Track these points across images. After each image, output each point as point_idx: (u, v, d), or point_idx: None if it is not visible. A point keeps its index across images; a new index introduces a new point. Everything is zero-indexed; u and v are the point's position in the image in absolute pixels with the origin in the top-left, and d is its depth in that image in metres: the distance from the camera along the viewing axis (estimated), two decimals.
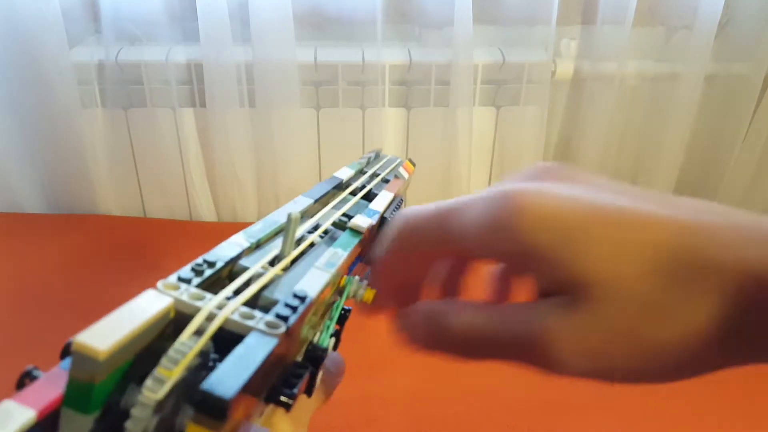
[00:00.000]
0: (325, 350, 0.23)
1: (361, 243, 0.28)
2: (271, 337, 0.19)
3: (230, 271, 0.24)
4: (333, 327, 0.26)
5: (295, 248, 0.25)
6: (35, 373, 0.18)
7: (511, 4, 1.02)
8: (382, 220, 0.32)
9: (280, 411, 0.21)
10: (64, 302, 0.85)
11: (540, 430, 0.67)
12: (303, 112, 1.04)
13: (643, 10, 1.01)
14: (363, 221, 0.29)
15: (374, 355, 0.76)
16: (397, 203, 0.35)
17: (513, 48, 1.04)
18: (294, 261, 0.25)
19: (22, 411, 0.15)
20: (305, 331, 0.22)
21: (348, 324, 0.31)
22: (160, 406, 0.16)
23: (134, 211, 1.13)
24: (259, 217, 1.13)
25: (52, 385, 0.16)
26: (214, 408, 0.16)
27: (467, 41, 0.98)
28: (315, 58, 1.00)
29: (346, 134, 1.07)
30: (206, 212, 1.12)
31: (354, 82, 1.03)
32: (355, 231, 0.29)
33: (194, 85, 1.02)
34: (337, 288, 0.26)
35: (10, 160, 1.04)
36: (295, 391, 0.20)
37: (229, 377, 0.16)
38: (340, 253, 0.26)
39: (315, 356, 0.23)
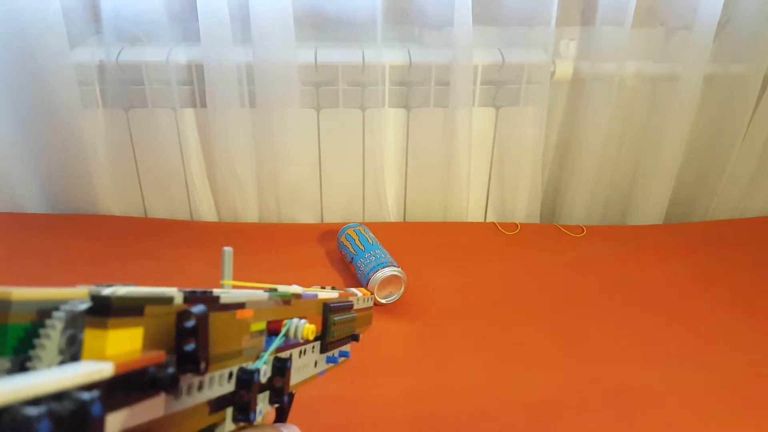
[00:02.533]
0: (256, 371, 0.25)
1: (288, 302, 0.30)
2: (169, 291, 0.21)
3: None
4: (266, 359, 0.27)
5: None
6: None
7: (511, 5, 1.02)
8: (325, 307, 0.35)
9: None
10: None
11: (540, 430, 0.67)
12: (303, 112, 1.04)
13: (642, 10, 1.01)
14: (294, 288, 0.32)
15: (374, 355, 0.76)
16: (346, 304, 0.38)
17: (512, 48, 1.04)
18: None
19: None
20: (219, 346, 0.23)
21: None
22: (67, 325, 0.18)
23: (135, 211, 1.13)
24: (260, 217, 1.13)
25: None
26: (101, 308, 0.17)
27: (467, 42, 0.98)
28: (315, 58, 1.01)
29: (346, 135, 1.07)
30: (207, 212, 1.13)
31: (354, 83, 1.03)
32: (284, 291, 0.31)
33: (195, 86, 1.02)
34: (264, 330, 0.28)
35: (11, 160, 1.05)
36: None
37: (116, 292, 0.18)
38: (262, 294, 0.28)
39: (245, 378, 0.24)
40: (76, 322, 0.18)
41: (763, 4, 1.03)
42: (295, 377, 0.31)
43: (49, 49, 0.95)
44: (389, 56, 1.01)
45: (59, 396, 0.14)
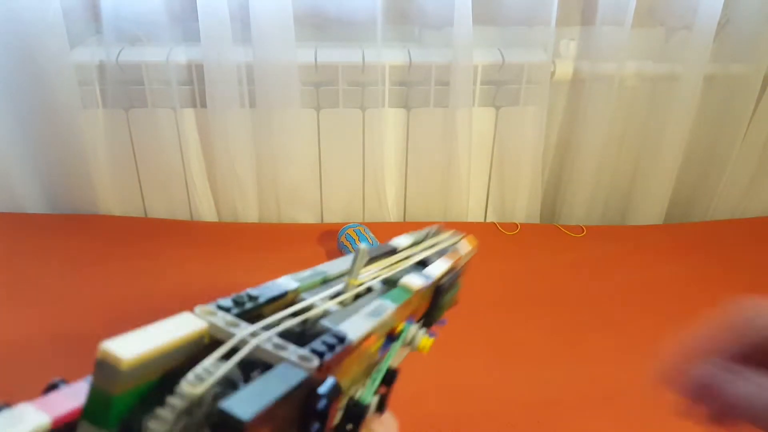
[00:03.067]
0: (366, 407, 0.23)
1: (410, 302, 0.28)
2: (301, 369, 0.18)
3: (291, 302, 0.24)
4: (377, 385, 0.25)
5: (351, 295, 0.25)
6: (61, 384, 0.17)
7: (511, 5, 1.02)
8: (438, 289, 0.32)
9: None
10: (66, 302, 0.85)
11: (540, 430, 0.67)
12: (303, 112, 1.04)
13: (642, 10, 1.01)
14: (415, 281, 0.30)
15: None
16: (453, 275, 0.35)
17: (512, 48, 1.04)
18: (354, 299, 0.26)
19: (37, 415, 0.15)
20: (345, 383, 0.22)
21: None
22: (181, 418, 0.15)
23: (135, 211, 1.13)
24: (260, 217, 1.13)
25: (73, 396, 0.16)
26: (230, 428, 0.15)
27: (467, 42, 0.98)
28: (315, 58, 1.01)
29: (346, 135, 1.07)
30: (207, 212, 1.13)
31: (354, 83, 1.03)
32: (406, 288, 0.29)
33: (195, 86, 1.02)
34: (383, 343, 0.26)
35: (11, 160, 1.05)
36: None
37: (249, 400, 0.16)
38: (387, 305, 0.26)
39: (355, 413, 0.23)
40: (195, 413, 0.16)
41: (762, 4, 1.03)
42: (396, 360, 0.30)
43: (49, 49, 0.95)
44: (389, 56, 1.01)
45: None
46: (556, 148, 1.15)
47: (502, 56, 1.03)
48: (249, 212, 1.12)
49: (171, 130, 1.04)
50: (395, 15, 1.02)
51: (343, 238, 0.95)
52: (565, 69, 1.06)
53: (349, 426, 0.23)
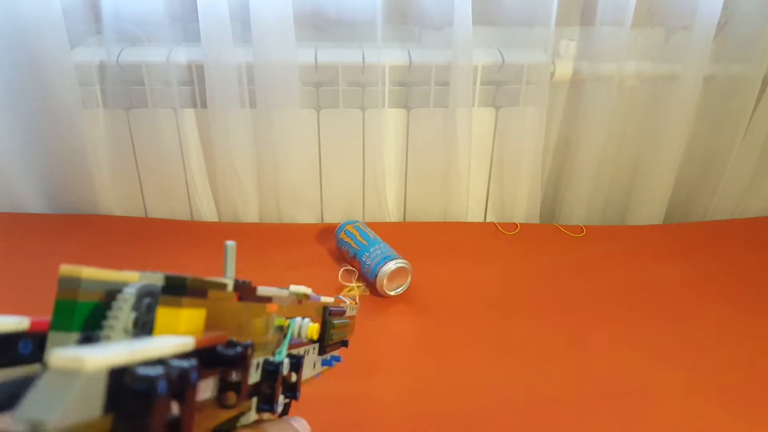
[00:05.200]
0: (280, 364, 0.25)
1: (300, 300, 0.31)
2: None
3: None
4: (285, 351, 0.27)
5: None
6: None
7: (511, 6, 1.02)
8: (325, 309, 0.36)
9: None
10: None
11: (540, 430, 0.67)
12: (303, 112, 1.05)
13: (642, 11, 1.02)
14: (304, 289, 0.32)
15: (374, 356, 0.76)
16: (340, 310, 0.39)
17: (512, 49, 1.05)
18: None
19: (18, 318, 0.18)
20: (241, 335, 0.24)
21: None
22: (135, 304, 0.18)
23: (135, 212, 1.13)
24: (260, 217, 1.13)
25: (43, 320, 0.20)
26: (176, 288, 0.18)
27: (467, 42, 0.98)
28: (315, 59, 1.01)
29: (346, 135, 1.08)
30: (207, 212, 1.13)
31: (354, 83, 1.04)
32: (297, 292, 0.31)
33: (195, 86, 1.02)
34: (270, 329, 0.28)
35: (11, 161, 1.05)
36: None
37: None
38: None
39: (269, 370, 0.25)
40: (142, 303, 0.19)
41: (762, 4, 1.03)
42: (305, 371, 0.32)
43: (50, 50, 0.95)
44: (389, 56, 1.02)
45: (159, 362, 0.16)
46: (556, 148, 1.15)
47: (502, 56, 1.03)
48: (249, 212, 1.12)
49: (171, 130, 1.04)
50: (395, 15, 1.03)
51: (342, 235, 0.96)
52: (564, 69, 1.06)
53: (267, 383, 0.25)
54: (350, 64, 1.01)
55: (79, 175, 1.06)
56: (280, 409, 0.26)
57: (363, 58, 1.00)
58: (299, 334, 0.29)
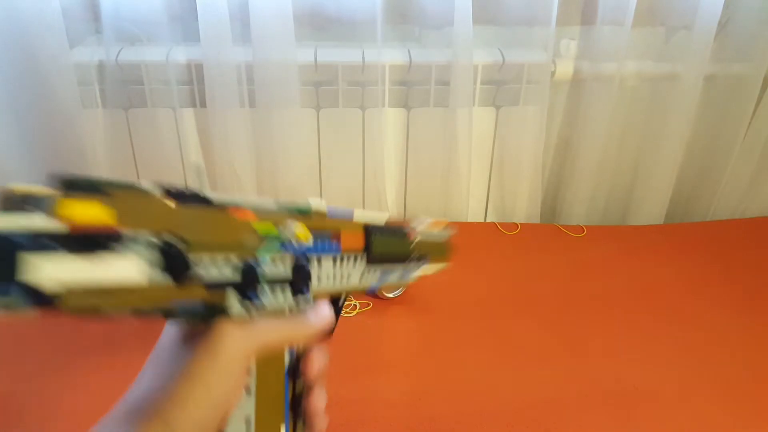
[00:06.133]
0: (254, 262, 0.29)
1: (309, 216, 0.33)
2: None
3: None
4: (265, 254, 0.30)
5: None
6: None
7: (511, 5, 1.02)
8: (367, 229, 0.37)
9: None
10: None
11: (540, 430, 0.67)
12: (303, 112, 1.04)
13: (642, 10, 1.01)
14: (317, 203, 0.35)
15: (374, 356, 0.76)
16: (396, 229, 0.40)
17: (513, 48, 1.04)
18: None
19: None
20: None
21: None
22: None
23: None
24: None
25: None
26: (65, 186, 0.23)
27: (467, 42, 0.98)
28: (315, 58, 1.01)
29: (346, 134, 1.07)
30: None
31: (354, 83, 1.03)
32: (299, 206, 0.33)
33: (194, 86, 1.02)
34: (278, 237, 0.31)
35: (10, 160, 1.05)
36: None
37: None
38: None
39: (244, 268, 0.28)
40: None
41: (762, 4, 1.03)
42: (331, 284, 0.34)
43: (49, 49, 0.94)
44: (389, 56, 1.01)
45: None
46: (557, 147, 1.15)
47: (503, 56, 1.03)
48: None
49: (171, 129, 1.04)
50: (395, 15, 1.02)
51: None
52: (565, 69, 1.06)
53: (246, 280, 0.28)
54: (350, 64, 1.01)
55: (77, 174, 1.06)
56: (265, 301, 0.29)
57: (363, 58, 1.00)
58: (288, 236, 0.30)
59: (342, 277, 0.35)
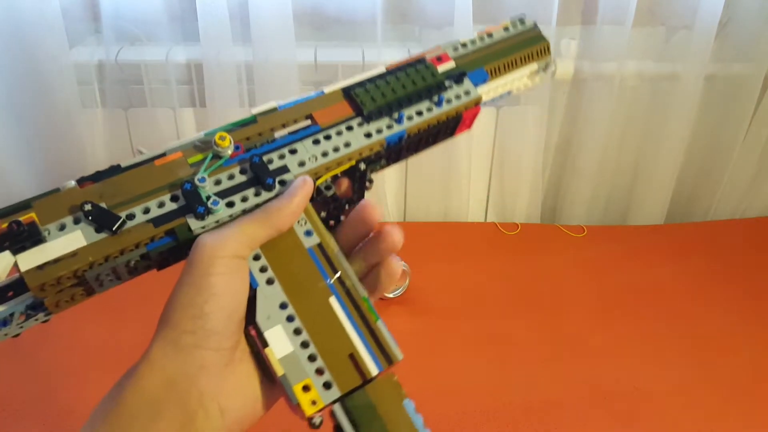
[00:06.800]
0: (187, 183, 0.30)
1: (247, 126, 0.34)
2: None
3: None
4: (201, 174, 0.31)
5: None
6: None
7: (511, 4, 1.02)
8: (347, 92, 0.38)
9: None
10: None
11: (540, 430, 0.67)
12: None
13: (643, 10, 1.01)
14: (267, 105, 0.37)
15: None
16: (392, 71, 0.38)
17: None
18: None
19: None
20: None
21: None
22: None
23: None
24: None
25: None
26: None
27: None
28: (315, 58, 1.00)
29: None
30: None
31: None
32: (239, 120, 0.34)
33: (194, 85, 1.02)
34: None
35: (9, 160, 1.04)
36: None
37: None
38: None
39: (183, 193, 0.30)
40: None
41: (763, 4, 1.03)
42: (327, 159, 0.33)
43: (49, 49, 0.94)
44: (389, 56, 1.01)
45: None
46: (557, 147, 1.15)
47: None
48: None
49: (170, 129, 1.04)
50: (395, 14, 1.02)
51: None
52: (565, 68, 1.06)
53: (187, 198, 0.30)
54: (350, 64, 1.01)
55: (77, 174, 1.05)
56: (216, 207, 0.30)
57: (363, 57, 1.00)
58: (218, 151, 0.31)
59: (336, 149, 0.34)
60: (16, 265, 0.27)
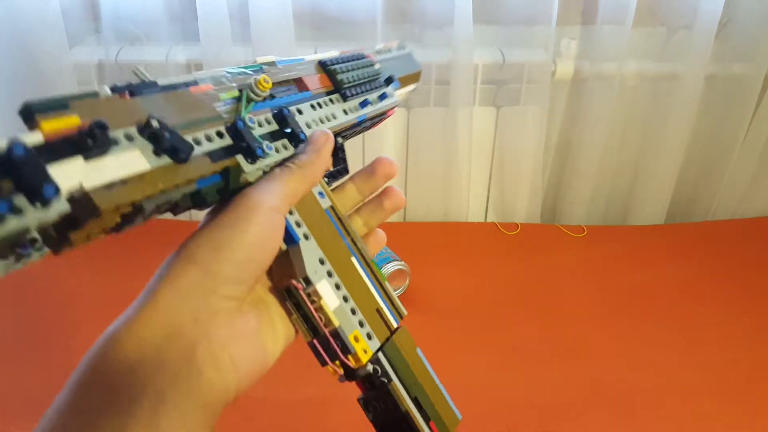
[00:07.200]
0: (237, 120, 0.29)
1: (257, 74, 0.33)
2: None
3: None
4: (243, 111, 0.30)
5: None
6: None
7: (511, 4, 1.02)
8: (324, 64, 0.39)
9: None
10: (65, 302, 0.85)
11: (540, 430, 0.67)
12: None
13: (643, 10, 1.01)
14: (267, 57, 0.38)
15: None
16: (353, 57, 0.42)
17: (513, 48, 1.04)
18: None
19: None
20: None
21: None
22: None
23: None
24: None
25: None
26: (27, 114, 0.23)
27: (467, 41, 0.98)
28: None
29: None
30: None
31: None
32: (248, 65, 0.34)
33: None
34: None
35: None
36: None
37: None
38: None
39: (231, 128, 0.28)
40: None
41: (763, 4, 1.02)
42: (321, 126, 0.35)
43: (49, 49, 0.94)
44: None
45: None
46: (557, 147, 1.15)
47: (503, 55, 1.03)
48: None
49: None
50: (395, 14, 1.02)
51: None
52: (565, 68, 1.06)
53: (238, 139, 0.28)
54: None
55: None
56: (270, 152, 0.30)
57: None
58: (254, 93, 0.31)
59: (328, 118, 0.36)
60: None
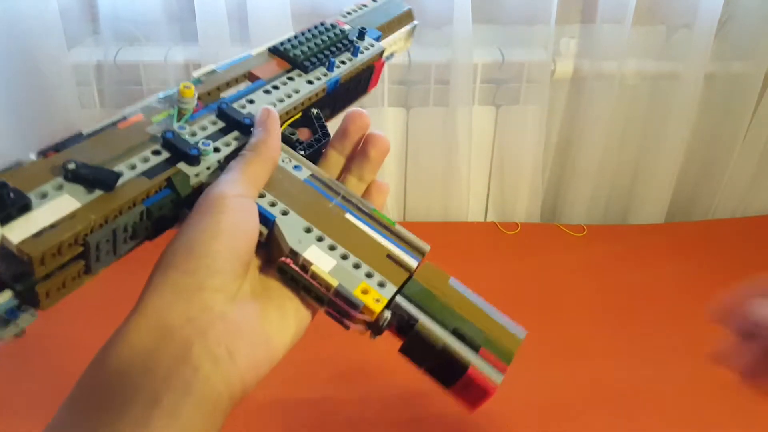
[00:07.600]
0: (166, 133, 0.30)
1: (195, 87, 0.35)
2: None
3: None
4: (174, 124, 0.32)
5: None
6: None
7: (511, 4, 1.01)
8: (275, 49, 0.40)
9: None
10: (64, 302, 0.84)
11: (540, 430, 0.66)
12: None
13: (642, 8, 1.01)
14: (205, 68, 0.39)
15: (373, 356, 0.76)
16: (312, 31, 0.42)
17: (512, 47, 1.04)
18: None
19: None
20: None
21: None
22: None
23: None
24: None
25: None
26: None
27: (467, 40, 0.98)
28: None
29: None
30: None
31: None
32: (185, 83, 0.35)
33: None
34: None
35: (8, 160, 1.04)
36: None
37: None
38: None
39: (164, 142, 0.30)
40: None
41: (763, 3, 1.02)
42: (284, 105, 0.36)
43: (47, 50, 0.94)
44: None
45: None
46: (557, 146, 1.15)
47: (502, 55, 1.03)
48: None
49: None
50: None
51: None
52: (565, 67, 1.06)
53: (172, 147, 0.30)
54: None
55: None
56: (208, 148, 0.31)
57: None
58: (183, 102, 0.33)
59: (288, 95, 0.37)
60: (2, 239, 0.23)
